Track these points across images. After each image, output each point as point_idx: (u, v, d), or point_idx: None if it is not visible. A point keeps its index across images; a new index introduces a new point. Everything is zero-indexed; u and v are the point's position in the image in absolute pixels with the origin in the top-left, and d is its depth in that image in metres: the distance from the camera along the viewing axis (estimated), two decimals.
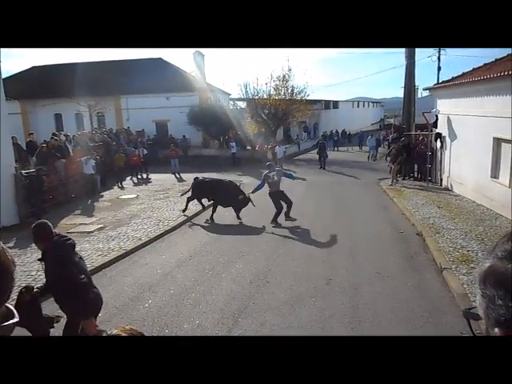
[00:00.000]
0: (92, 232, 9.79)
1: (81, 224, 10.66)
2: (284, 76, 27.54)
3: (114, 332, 1.58)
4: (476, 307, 0.74)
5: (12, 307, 0.70)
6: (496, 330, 0.66)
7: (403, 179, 16.48)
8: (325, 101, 42.69)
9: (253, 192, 10.40)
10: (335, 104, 45.95)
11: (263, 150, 23.21)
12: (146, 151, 20.39)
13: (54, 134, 16.12)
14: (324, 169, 21.49)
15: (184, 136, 26.30)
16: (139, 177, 18.83)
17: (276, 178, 10.19)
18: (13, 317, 0.70)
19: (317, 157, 22.61)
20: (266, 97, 27.54)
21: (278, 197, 10.17)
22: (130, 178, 18.33)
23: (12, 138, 12.36)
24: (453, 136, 13.84)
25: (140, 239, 9.07)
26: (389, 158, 17.24)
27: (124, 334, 1.61)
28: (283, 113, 27.88)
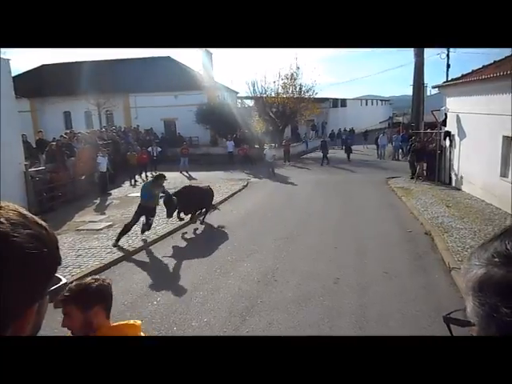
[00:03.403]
0: (101, 229, 9.87)
1: (90, 221, 10.75)
2: (292, 74, 27.52)
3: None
4: (455, 311, 0.74)
5: (59, 275, 0.74)
6: None
7: (411, 178, 16.35)
8: (333, 99, 42.53)
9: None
10: (343, 102, 45.73)
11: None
12: (159, 149, 20.49)
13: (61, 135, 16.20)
14: (322, 165, 22.10)
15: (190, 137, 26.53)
16: (148, 174, 18.91)
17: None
18: (59, 282, 0.74)
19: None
20: (273, 95, 27.52)
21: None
22: (142, 175, 18.48)
23: (22, 135, 12.50)
24: (462, 134, 13.73)
25: (148, 237, 9.13)
26: (409, 157, 16.80)
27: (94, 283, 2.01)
28: (291, 111, 27.85)
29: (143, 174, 18.41)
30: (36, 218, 0.70)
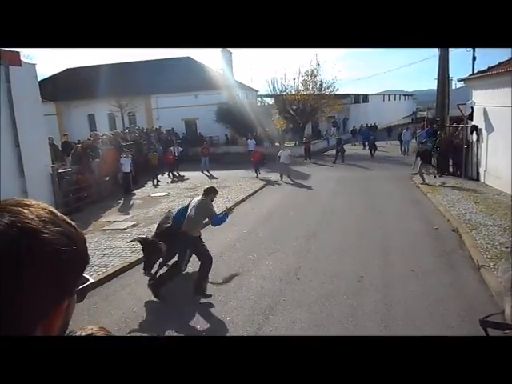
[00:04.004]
0: (125, 229, 10.02)
1: (115, 221, 10.93)
2: (312, 71, 27.36)
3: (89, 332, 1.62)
4: (492, 315, 0.70)
5: (86, 275, 0.75)
6: None
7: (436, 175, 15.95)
8: (354, 95, 42.09)
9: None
10: (365, 98, 45.19)
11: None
12: (181, 149, 20.77)
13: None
14: (343, 162, 21.69)
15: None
16: (174, 174, 19.21)
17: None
18: (87, 281, 0.76)
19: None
20: (293, 92, 27.40)
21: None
22: (166, 175, 18.78)
23: (48, 138, 12.82)
24: (489, 128, 13.33)
25: None
26: (419, 159, 15.40)
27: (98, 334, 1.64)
28: (312, 108, 27.68)
29: (166, 174, 18.75)
30: (65, 217, 0.71)
